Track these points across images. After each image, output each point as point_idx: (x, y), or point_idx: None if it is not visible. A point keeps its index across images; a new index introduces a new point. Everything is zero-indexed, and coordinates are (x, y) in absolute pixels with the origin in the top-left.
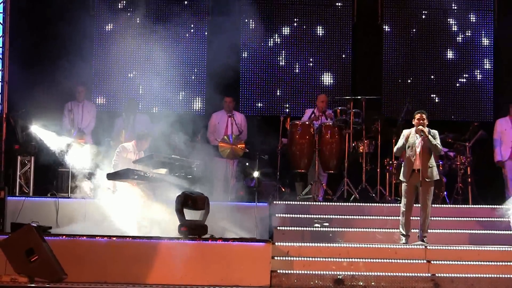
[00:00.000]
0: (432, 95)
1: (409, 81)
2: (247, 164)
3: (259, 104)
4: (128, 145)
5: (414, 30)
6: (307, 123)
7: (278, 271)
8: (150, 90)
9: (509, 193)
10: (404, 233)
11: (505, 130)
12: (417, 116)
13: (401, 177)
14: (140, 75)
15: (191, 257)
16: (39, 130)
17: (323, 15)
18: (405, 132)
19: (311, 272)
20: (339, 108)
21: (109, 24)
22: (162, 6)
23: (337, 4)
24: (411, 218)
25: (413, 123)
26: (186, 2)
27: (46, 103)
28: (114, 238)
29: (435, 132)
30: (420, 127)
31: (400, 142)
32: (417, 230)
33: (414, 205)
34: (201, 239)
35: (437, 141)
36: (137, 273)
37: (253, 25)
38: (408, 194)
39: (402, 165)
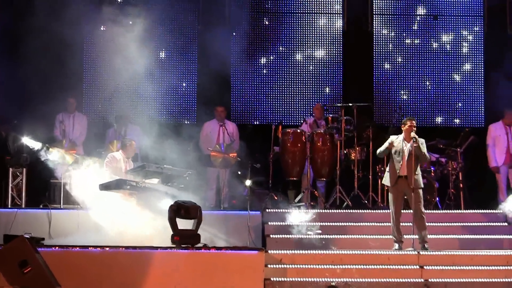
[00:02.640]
0: (423, 102)
1: (400, 87)
2: (239, 173)
3: (251, 113)
4: (117, 154)
5: (405, 36)
6: (298, 130)
7: (272, 279)
8: (141, 101)
9: (502, 198)
10: (396, 239)
11: (499, 136)
12: (408, 123)
13: (385, 182)
14: (131, 86)
15: (184, 267)
16: (30, 142)
17: (314, 23)
18: (393, 137)
19: (304, 279)
20: (331, 115)
21: (99, 36)
22: (152, 16)
23: (327, 11)
24: (404, 224)
25: (403, 129)
26: (176, 13)
27: (38, 115)
28: (107, 249)
29: (422, 140)
30: (413, 133)
31: (384, 146)
32: (409, 236)
33: (405, 211)
34: (194, 248)
35: (425, 149)
36: (131, 283)
37: (243, 35)
38: (395, 201)
39: (387, 169)
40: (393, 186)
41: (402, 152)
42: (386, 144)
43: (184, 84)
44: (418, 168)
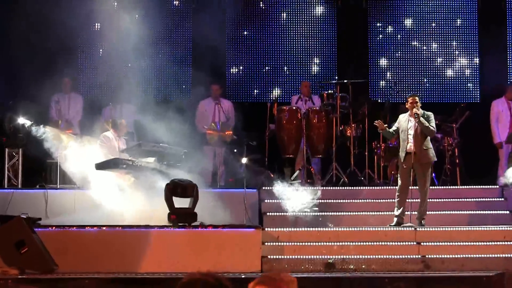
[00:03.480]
0: (418, 77)
1: (395, 63)
2: (235, 151)
3: (246, 91)
4: (108, 134)
5: (399, 12)
6: (294, 108)
7: (269, 256)
8: (136, 80)
9: (501, 174)
10: (397, 214)
11: (502, 111)
12: (410, 99)
13: (398, 161)
14: (126, 65)
15: (181, 245)
16: (26, 122)
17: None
18: (400, 117)
19: (301, 257)
20: (326, 92)
21: (95, 15)
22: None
23: None
24: (408, 200)
25: (406, 106)
26: None
27: (33, 95)
28: (104, 228)
29: (429, 114)
30: (415, 109)
31: (392, 129)
32: (407, 212)
33: (412, 187)
34: (190, 227)
35: (432, 124)
36: (128, 262)
37: (239, 12)
38: (402, 176)
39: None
40: (402, 162)
41: (407, 129)
42: (394, 127)
43: (179, 62)
44: (429, 142)
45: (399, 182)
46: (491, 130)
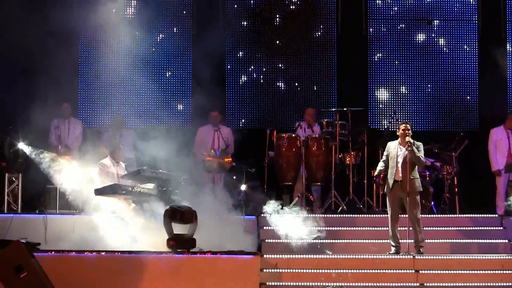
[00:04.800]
0: (417, 106)
1: (394, 92)
2: (234, 177)
3: (246, 118)
4: (105, 161)
5: (399, 41)
6: (293, 135)
7: (267, 283)
8: (136, 106)
9: (499, 203)
10: (393, 244)
11: (501, 140)
12: (402, 126)
13: (386, 189)
14: (125, 91)
15: (180, 271)
16: (26, 148)
17: (307, 27)
18: (390, 143)
19: (300, 283)
20: (325, 120)
21: (94, 41)
22: (147, 21)
23: (321, 15)
24: (400, 228)
25: (398, 134)
26: (170, 19)
27: (33, 121)
28: (103, 253)
29: (419, 144)
30: (408, 138)
31: (382, 159)
32: (404, 241)
33: (402, 215)
34: (189, 253)
35: (421, 154)
36: (126, 287)
37: (238, 39)
38: (392, 205)
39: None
40: (390, 191)
41: (397, 157)
42: (383, 158)
43: (179, 89)
44: (416, 172)
45: (389, 211)
46: (490, 158)
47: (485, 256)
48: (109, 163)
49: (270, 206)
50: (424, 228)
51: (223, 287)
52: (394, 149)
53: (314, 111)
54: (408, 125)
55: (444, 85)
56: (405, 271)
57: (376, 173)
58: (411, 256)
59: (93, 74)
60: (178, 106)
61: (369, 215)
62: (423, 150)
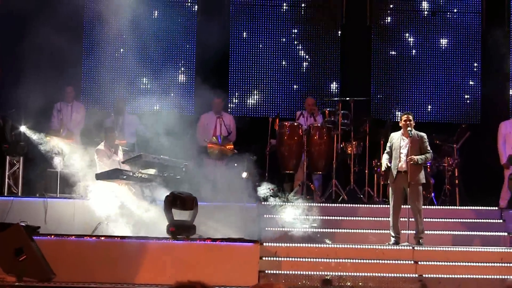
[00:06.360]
0: (420, 97)
1: (397, 82)
2: (235, 165)
3: (248, 105)
4: (100, 146)
5: (403, 31)
6: (295, 124)
7: (266, 271)
8: (139, 91)
9: (503, 195)
10: (393, 234)
11: (510, 133)
12: (404, 117)
13: (389, 179)
14: (129, 75)
15: (179, 257)
16: (28, 131)
17: (312, 16)
18: (393, 134)
19: (299, 272)
20: (328, 109)
21: (98, 24)
22: (151, 7)
23: (326, 5)
24: (401, 219)
25: (400, 124)
26: (174, 4)
27: (36, 104)
28: (102, 238)
29: (423, 134)
30: (409, 128)
31: (386, 151)
32: (405, 231)
33: (404, 206)
34: (189, 239)
35: (426, 144)
36: (126, 273)
37: (242, 26)
38: (394, 195)
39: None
40: (393, 182)
41: (400, 148)
42: (387, 148)
43: (182, 75)
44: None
45: (391, 201)
46: (498, 151)
47: (484, 248)
48: (104, 148)
49: (271, 194)
50: (424, 220)
51: (222, 274)
52: (397, 140)
53: (314, 101)
54: (410, 116)
55: (447, 77)
56: (404, 261)
57: (383, 167)
58: (411, 247)
59: (97, 57)
60: (183, 92)
61: (370, 205)
62: (427, 141)
